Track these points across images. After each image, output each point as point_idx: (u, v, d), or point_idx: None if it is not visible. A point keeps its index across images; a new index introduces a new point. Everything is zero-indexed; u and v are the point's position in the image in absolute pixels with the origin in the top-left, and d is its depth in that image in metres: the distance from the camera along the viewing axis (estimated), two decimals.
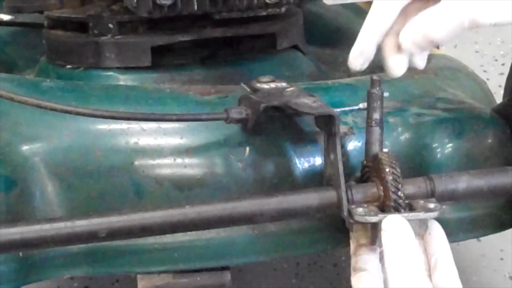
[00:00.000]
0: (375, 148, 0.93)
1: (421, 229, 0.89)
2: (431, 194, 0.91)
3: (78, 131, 0.99)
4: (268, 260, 1.02)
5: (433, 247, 0.89)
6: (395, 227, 0.85)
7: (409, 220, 0.87)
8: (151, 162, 0.98)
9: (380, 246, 0.89)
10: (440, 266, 0.88)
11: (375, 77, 0.93)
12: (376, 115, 0.93)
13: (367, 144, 0.94)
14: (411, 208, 0.88)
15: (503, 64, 2.47)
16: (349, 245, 0.93)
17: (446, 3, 0.87)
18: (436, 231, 0.90)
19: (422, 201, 0.89)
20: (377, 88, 0.93)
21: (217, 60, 1.21)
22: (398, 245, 0.85)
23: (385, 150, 0.94)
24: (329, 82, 1.12)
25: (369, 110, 0.93)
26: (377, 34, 0.92)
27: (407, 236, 0.85)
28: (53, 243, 0.87)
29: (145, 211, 0.88)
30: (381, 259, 0.89)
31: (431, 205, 0.88)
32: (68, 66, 1.19)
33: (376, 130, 0.93)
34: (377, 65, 1.26)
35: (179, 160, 0.98)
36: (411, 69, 0.98)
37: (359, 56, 0.93)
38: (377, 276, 0.88)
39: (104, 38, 1.15)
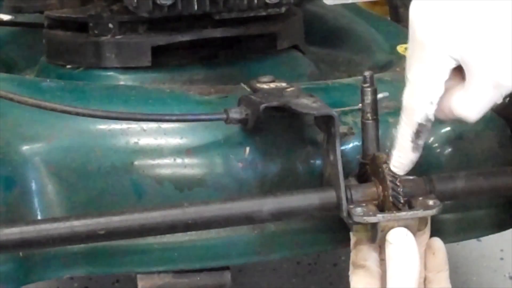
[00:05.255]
0: (372, 144, 0.93)
1: (421, 225, 0.89)
2: (430, 194, 0.91)
3: (78, 131, 0.99)
4: (268, 260, 1.02)
5: (433, 266, 0.92)
6: (401, 241, 0.87)
7: (408, 219, 0.87)
8: (151, 162, 0.98)
9: (380, 244, 0.89)
10: (436, 283, 0.91)
11: (366, 73, 0.93)
12: (370, 110, 0.93)
13: (364, 139, 0.94)
14: (410, 206, 0.89)
15: None
16: (349, 245, 0.93)
17: (474, 82, 0.84)
18: (439, 253, 0.92)
19: (421, 198, 0.89)
20: (370, 83, 0.93)
21: (217, 60, 1.21)
22: (403, 260, 0.86)
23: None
24: (329, 82, 1.12)
25: (363, 105, 0.94)
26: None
27: (411, 251, 0.87)
28: (53, 243, 0.87)
29: (145, 211, 0.88)
30: (381, 253, 0.90)
31: (430, 202, 0.89)
32: (68, 66, 1.19)
33: (371, 124, 0.93)
34: (377, 65, 1.26)
35: (179, 160, 0.98)
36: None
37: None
38: (375, 275, 0.89)
39: (104, 38, 1.15)
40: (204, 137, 0.99)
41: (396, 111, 1.04)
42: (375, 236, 0.88)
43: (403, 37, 1.12)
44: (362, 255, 0.90)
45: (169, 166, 0.99)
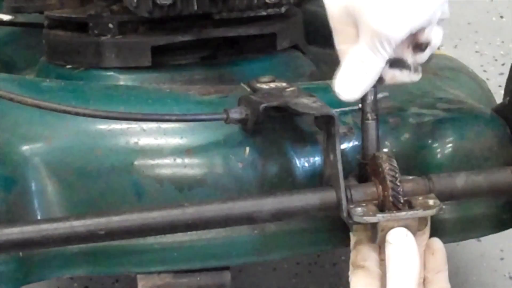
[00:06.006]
0: (372, 143, 0.94)
1: (421, 225, 0.89)
2: (430, 194, 0.91)
3: (78, 131, 0.99)
4: (268, 260, 1.02)
5: (432, 266, 0.92)
6: (401, 242, 0.87)
7: (408, 219, 0.87)
8: (151, 162, 0.98)
9: (380, 244, 0.89)
10: (436, 284, 0.91)
11: None
12: (370, 110, 0.93)
13: (364, 139, 0.94)
14: (410, 206, 0.89)
15: (503, 64, 2.47)
16: (349, 245, 0.93)
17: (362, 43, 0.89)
18: (439, 253, 0.92)
19: (421, 198, 0.89)
20: None
21: (217, 60, 1.21)
22: (403, 260, 0.86)
23: (384, 150, 0.94)
24: (329, 82, 1.12)
25: (363, 105, 0.94)
26: None
27: (411, 251, 0.87)
28: (53, 243, 0.87)
29: (145, 211, 0.88)
30: (381, 254, 0.90)
31: (430, 202, 0.89)
32: (68, 66, 1.19)
33: (371, 124, 0.93)
34: None
35: (179, 160, 0.98)
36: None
37: None
38: (375, 275, 0.89)
39: (104, 38, 1.15)
40: (204, 137, 0.99)
41: (396, 111, 1.04)
42: (375, 236, 0.88)
43: None
44: (362, 255, 0.90)
45: (169, 166, 0.99)
